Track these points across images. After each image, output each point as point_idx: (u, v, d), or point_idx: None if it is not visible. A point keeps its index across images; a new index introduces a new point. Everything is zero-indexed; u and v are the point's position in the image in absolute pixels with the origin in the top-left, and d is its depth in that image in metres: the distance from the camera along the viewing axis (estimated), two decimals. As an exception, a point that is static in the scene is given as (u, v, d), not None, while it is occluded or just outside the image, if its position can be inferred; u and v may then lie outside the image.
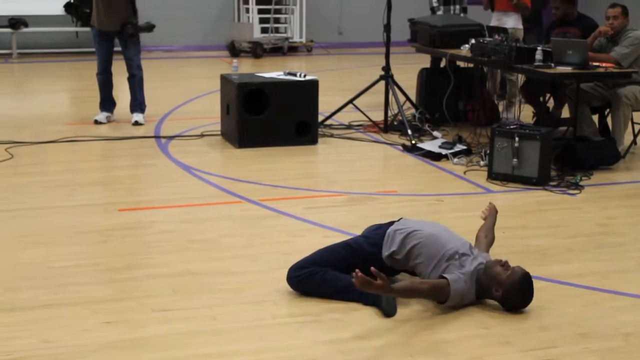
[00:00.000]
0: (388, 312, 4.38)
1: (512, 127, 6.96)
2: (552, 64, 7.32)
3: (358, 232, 5.59)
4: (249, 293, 4.64)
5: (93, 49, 9.26)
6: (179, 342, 4.05)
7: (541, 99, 8.86)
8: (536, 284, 4.77)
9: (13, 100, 11.09)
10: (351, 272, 4.12)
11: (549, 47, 7.49)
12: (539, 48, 7.39)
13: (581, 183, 6.88)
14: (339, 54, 15.79)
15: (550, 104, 9.07)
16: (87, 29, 13.53)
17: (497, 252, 5.26)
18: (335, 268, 4.58)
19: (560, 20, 8.54)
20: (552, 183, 6.85)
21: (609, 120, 8.10)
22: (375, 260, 4.48)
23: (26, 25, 14.71)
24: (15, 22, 14.56)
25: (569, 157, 7.19)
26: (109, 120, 9.11)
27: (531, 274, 4.88)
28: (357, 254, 4.63)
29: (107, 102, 9.16)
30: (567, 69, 7.24)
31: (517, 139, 6.79)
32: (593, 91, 7.78)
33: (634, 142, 8.04)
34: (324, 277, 4.55)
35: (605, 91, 7.77)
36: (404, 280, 4.59)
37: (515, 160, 6.81)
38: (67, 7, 14.88)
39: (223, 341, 4.07)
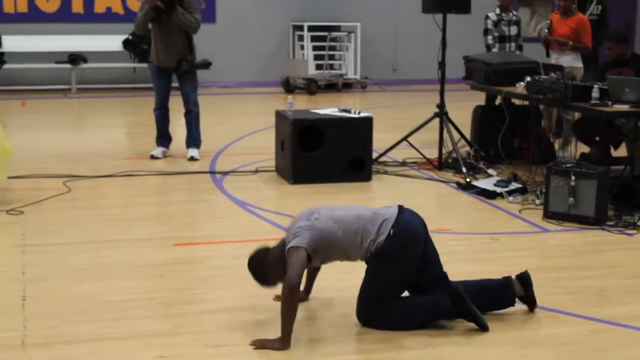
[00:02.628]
0: (483, 325, 4.57)
1: (568, 165, 6.90)
2: (609, 102, 7.25)
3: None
4: (305, 330, 4.63)
5: (150, 85, 9.40)
6: (233, 378, 4.04)
7: (597, 138, 8.76)
8: (594, 326, 4.72)
9: (71, 134, 11.26)
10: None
11: (606, 86, 7.42)
12: (595, 86, 7.32)
13: (639, 223, 6.77)
14: (393, 91, 15.81)
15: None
16: (145, 64, 13.78)
17: (552, 292, 5.21)
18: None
19: (614, 60, 8.45)
20: (609, 223, 6.75)
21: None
22: None
23: (85, 61, 14.97)
24: (75, 58, 14.83)
25: (627, 196, 7.09)
26: (164, 155, 9.21)
27: (588, 315, 4.83)
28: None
29: (164, 137, 9.27)
30: (625, 107, 7.16)
31: (573, 177, 6.72)
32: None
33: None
34: (406, 304, 4.67)
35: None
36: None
37: (571, 199, 6.73)
38: (126, 43, 15.14)
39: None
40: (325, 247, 4.55)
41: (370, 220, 4.60)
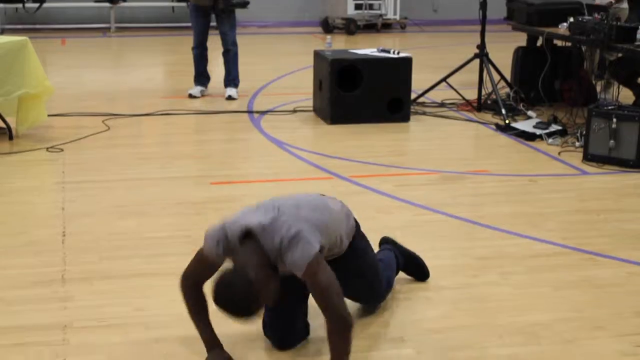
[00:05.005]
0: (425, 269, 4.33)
1: (610, 107, 6.80)
2: (654, 44, 7.12)
3: (449, 210, 5.57)
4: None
5: (189, 24, 9.38)
6: (268, 315, 4.07)
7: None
8: (630, 269, 4.69)
9: (110, 73, 11.30)
10: None
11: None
12: (640, 27, 7.20)
13: (680, 166, 6.69)
14: (433, 32, 15.64)
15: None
16: (183, 4, 13.76)
17: (591, 235, 5.18)
18: None
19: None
20: (650, 166, 6.68)
21: None
22: None
23: (124, 0, 14.96)
24: (114, -3, 14.85)
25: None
26: (202, 95, 9.22)
27: (625, 258, 4.80)
28: None
29: (202, 77, 9.27)
30: (670, 49, 7.04)
31: (614, 120, 6.63)
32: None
33: None
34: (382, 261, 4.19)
35: None
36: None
37: (612, 141, 6.65)
38: (164, -18, 15.11)
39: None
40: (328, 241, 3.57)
41: (337, 205, 3.81)
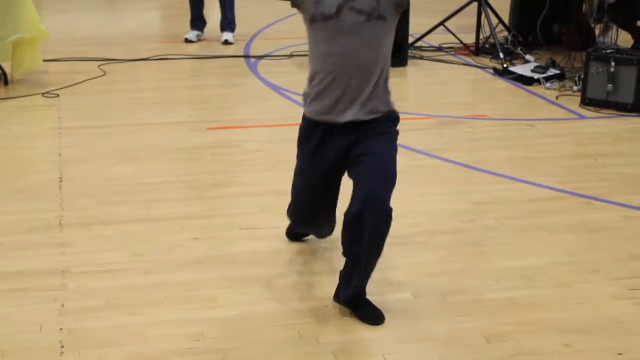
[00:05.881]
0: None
1: (608, 51, 6.77)
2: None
3: (446, 155, 5.57)
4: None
5: (185, -33, 9.29)
6: (266, 260, 4.10)
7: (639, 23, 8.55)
8: (626, 213, 4.71)
9: (105, 18, 11.20)
10: None
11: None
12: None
13: (678, 110, 6.68)
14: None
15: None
16: (179, -54, 13.56)
17: (588, 179, 5.19)
18: None
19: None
20: (648, 110, 6.67)
21: None
22: None
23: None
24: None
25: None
26: (199, 39, 9.16)
27: (622, 202, 4.82)
28: None
29: (198, 21, 9.19)
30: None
31: (613, 63, 6.60)
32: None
33: None
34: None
35: None
36: None
37: (610, 85, 6.63)
38: None
39: (305, 261, 4.11)
40: None
41: None
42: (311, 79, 3.67)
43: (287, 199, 4.82)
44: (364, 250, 3.44)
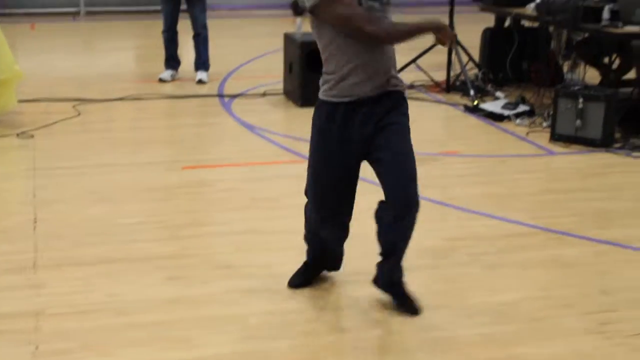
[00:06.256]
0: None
1: (576, 88, 6.88)
2: (620, 24, 7.18)
3: (419, 192, 5.61)
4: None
5: (159, 8, 9.34)
6: (241, 300, 4.11)
7: (606, 60, 8.69)
8: (597, 248, 4.77)
9: (80, 58, 11.24)
10: None
11: (616, 7, 7.34)
12: (606, 7, 7.25)
13: (646, 145, 6.79)
14: (402, 12, 15.64)
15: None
16: (152, -13, 13.65)
17: (557, 215, 5.25)
18: None
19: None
20: (616, 145, 6.75)
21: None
22: None
23: (93, -17, 14.87)
24: (83, -20, 14.73)
25: (634, 119, 7.08)
26: (173, 79, 9.20)
27: (592, 237, 4.88)
28: None
29: (172, 60, 9.25)
30: (636, 29, 7.09)
31: (581, 100, 6.71)
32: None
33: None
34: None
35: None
36: None
37: (579, 121, 6.73)
38: (133, -35, 15.00)
39: (282, 299, 4.13)
40: None
41: None
42: (337, 65, 3.86)
43: (262, 238, 4.86)
44: (399, 240, 3.93)
